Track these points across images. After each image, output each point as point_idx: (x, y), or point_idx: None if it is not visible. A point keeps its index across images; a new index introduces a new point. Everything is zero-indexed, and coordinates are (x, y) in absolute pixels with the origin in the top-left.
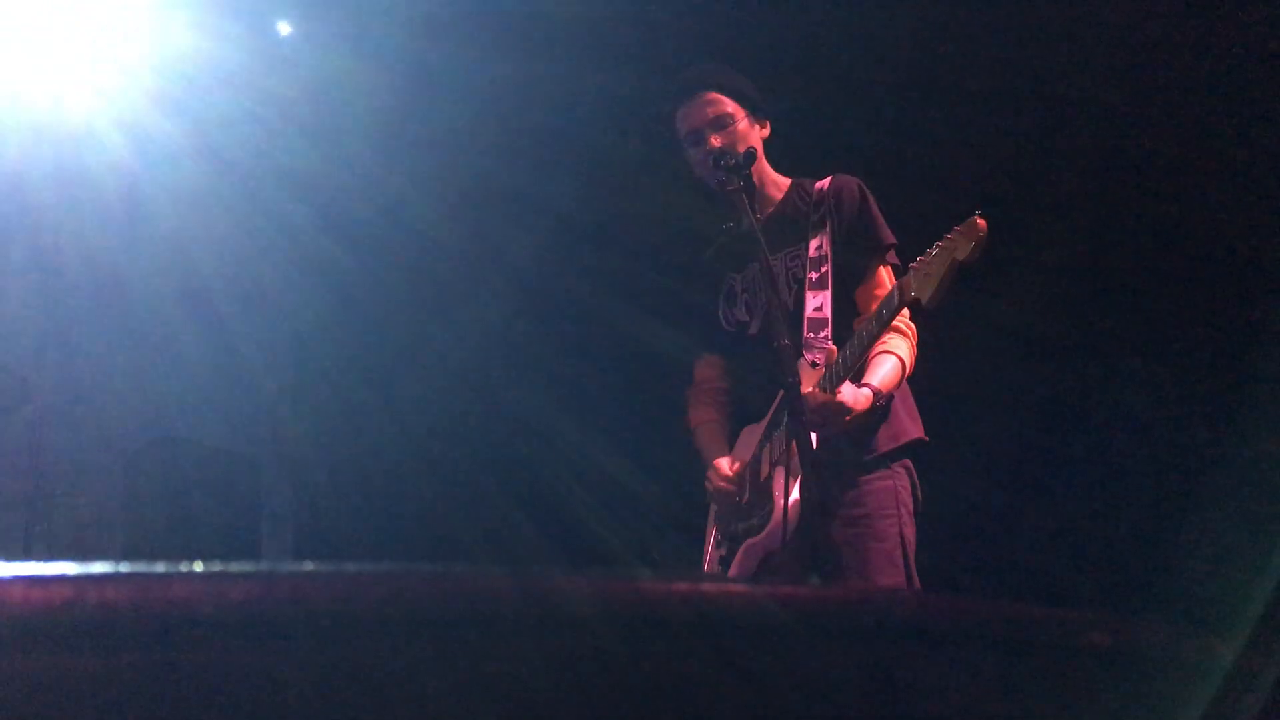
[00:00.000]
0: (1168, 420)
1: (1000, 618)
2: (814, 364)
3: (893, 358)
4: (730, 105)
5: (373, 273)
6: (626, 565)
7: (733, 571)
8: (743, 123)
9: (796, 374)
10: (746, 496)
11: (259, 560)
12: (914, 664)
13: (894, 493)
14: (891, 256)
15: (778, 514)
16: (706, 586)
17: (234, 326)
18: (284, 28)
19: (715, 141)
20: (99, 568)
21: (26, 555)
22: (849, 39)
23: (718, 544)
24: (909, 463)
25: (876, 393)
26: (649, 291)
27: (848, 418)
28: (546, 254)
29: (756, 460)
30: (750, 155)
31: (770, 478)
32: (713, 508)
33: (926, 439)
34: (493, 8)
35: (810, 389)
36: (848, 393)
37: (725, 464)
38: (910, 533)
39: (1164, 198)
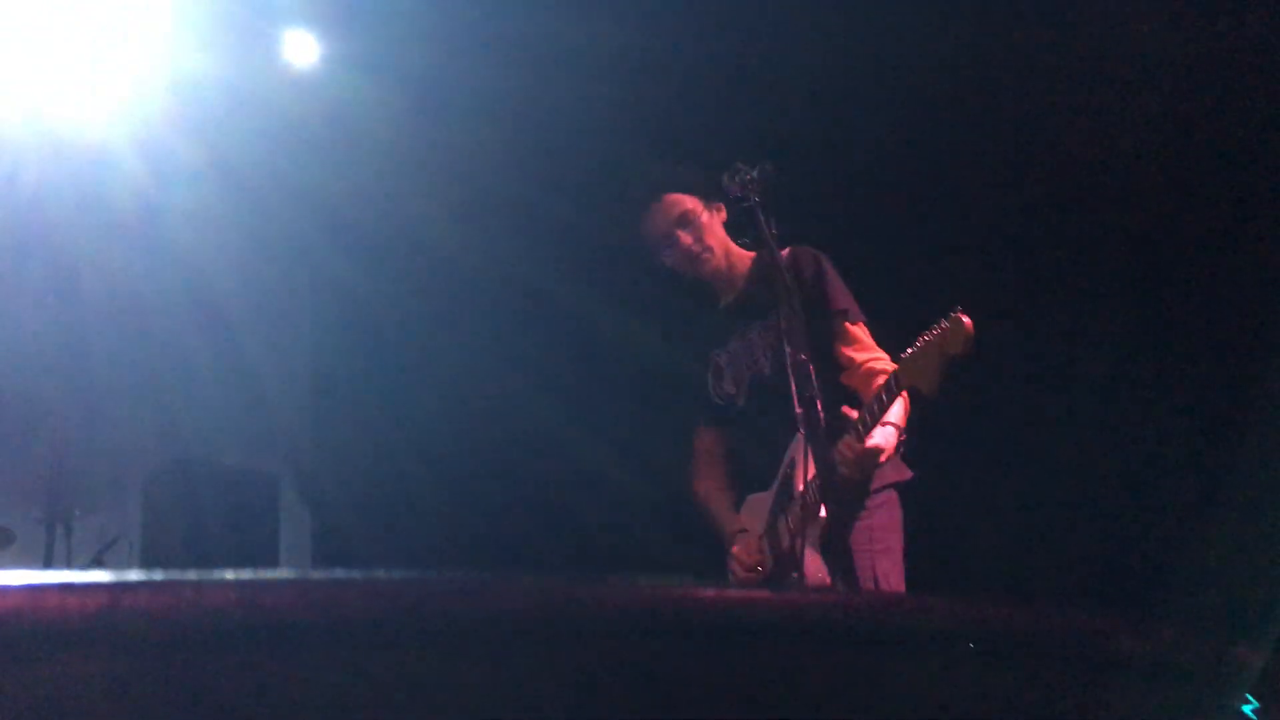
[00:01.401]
0: (1189, 424)
1: (1024, 622)
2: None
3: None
4: (689, 201)
5: (387, 291)
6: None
7: None
8: (704, 214)
9: (815, 389)
10: (770, 567)
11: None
12: (935, 668)
13: (868, 531)
14: (855, 315)
15: (811, 580)
16: (728, 594)
17: (250, 346)
18: (298, 47)
19: (686, 239)
20: (133, 575)
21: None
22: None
23: None
24: (892, 500)
25: (897, 428)
26: (662, 309)
27: (882, 458)
28: (561, 272)
29: (774, 532)
30: (765, 174)
31: (792, 547)
32: (733, 576)
33: (910, 476)
34: (506, 29)
35: (845, 441)
36: (879, 436)
37: (743, 550)
38: (886, 566)
39: (1176, 197)
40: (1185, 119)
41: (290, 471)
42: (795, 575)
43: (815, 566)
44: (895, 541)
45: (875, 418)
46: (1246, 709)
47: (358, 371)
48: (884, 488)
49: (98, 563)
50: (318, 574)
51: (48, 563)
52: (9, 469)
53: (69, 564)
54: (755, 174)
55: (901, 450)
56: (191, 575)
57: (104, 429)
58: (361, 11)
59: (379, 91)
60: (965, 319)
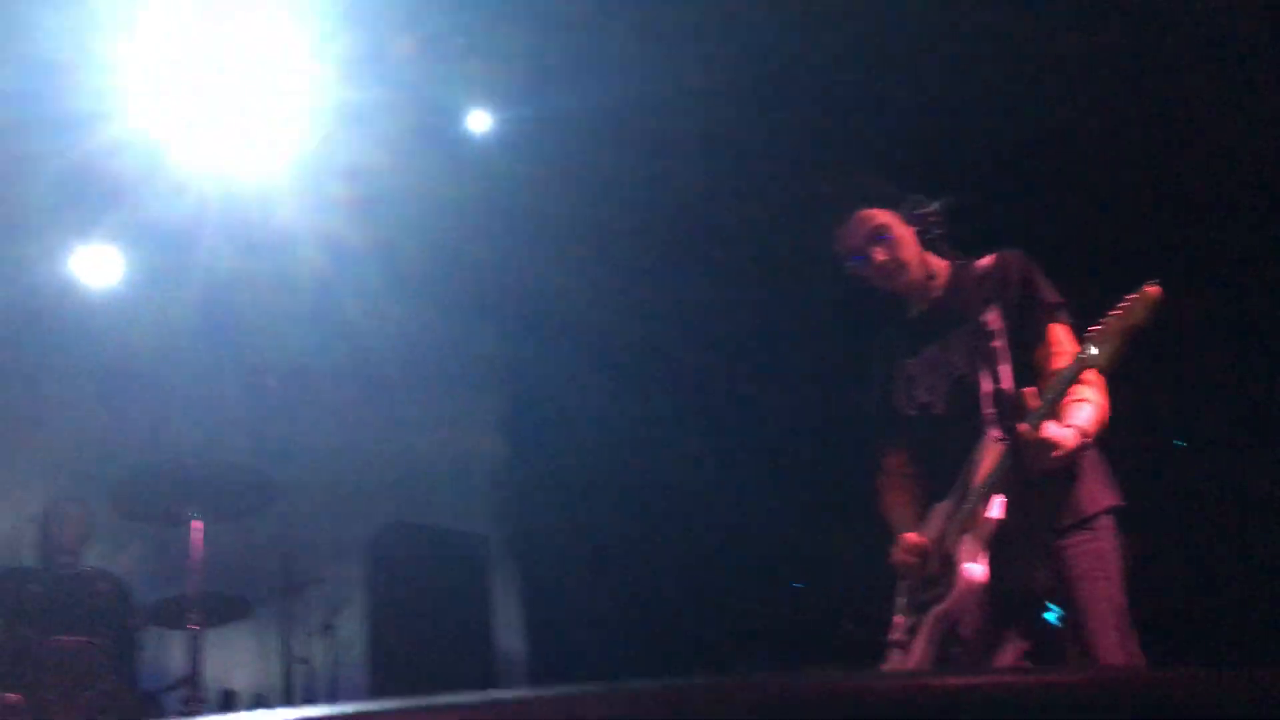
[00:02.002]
0: None
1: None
2: (998, 439)
3: (1086, 404)
4: (884, 216)
5: (569, 360)
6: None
7: (919, 640)
8: (898, 228)
9: (1012, 391)
10: (933, 566)
11: (491, 637)
12: None
13: (1101, 555)
14: (1063, 316)
15: (961, 582)
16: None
17: (446, 414)
18: (473, 125)
19: (879, 255)
20: (466, 697)
21: (284, 639)
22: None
23: (905, 613)
24: (1113, 526)
25: (1081, 431)
26: (846, 338)
27: (1055, 453)
28: (739, 332)
29: (944, 533)
30: (945, 205)
31: (955, 547)
32: (900, 580)
33: (1123, 504)
34: (652, 114)
35: (1021, 425)
36: (1053, 430)
37: (908, 538)
38: (1119, 594)
39: None
40: None
41: (499, 532)
42: (949, 577)
43: (974, 569)
44: (1119, 569)
45: (1055, 401)
46: (1050, 616)
47: (552, 433)
48: (1103, 512)
49: (328, 628)
50: (626, 685)
51: (285, 631)
52: (243, 544)
53: (306, 629)
54: (935, 206)
55: (1085, 451)
56: (509, 694)
57: (325, 500)
58: (533, 92)
59: (535, 176)
60: (1152, 289)
